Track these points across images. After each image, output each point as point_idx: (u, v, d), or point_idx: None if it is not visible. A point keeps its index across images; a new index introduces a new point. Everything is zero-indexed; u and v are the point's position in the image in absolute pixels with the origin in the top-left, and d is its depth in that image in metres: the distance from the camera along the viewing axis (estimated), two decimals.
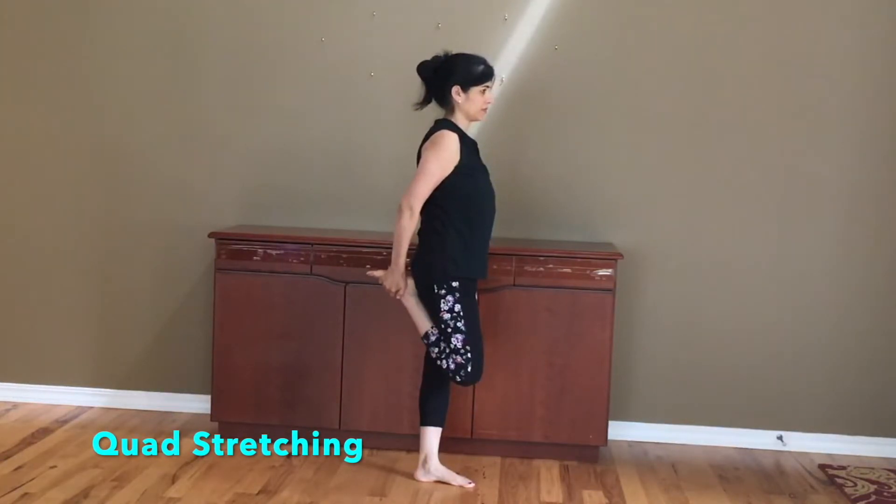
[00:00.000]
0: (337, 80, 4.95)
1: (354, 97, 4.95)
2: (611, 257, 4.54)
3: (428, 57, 4.20)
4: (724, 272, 4.89)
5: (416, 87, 4.24)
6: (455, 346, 4.09)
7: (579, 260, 4.53)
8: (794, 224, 4.86)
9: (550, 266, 4.54)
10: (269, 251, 4.63)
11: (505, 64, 4.80)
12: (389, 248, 4.43)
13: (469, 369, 4.11)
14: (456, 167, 4.06)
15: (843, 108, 4.80)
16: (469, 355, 4.10)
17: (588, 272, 4.52)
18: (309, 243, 4.62)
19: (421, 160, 4.10)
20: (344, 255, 4.60)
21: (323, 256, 4.61)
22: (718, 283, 4.89)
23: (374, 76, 4.93)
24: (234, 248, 4.64)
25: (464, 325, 4.10)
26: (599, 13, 4.86)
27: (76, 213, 5.11)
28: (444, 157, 4.05)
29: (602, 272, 4.52)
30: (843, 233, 4.85)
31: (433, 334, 4.14)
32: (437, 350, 4.13)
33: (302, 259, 4.62)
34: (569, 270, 4.53)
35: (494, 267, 4.42)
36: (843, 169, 4.83)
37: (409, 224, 4.05)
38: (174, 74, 5.03)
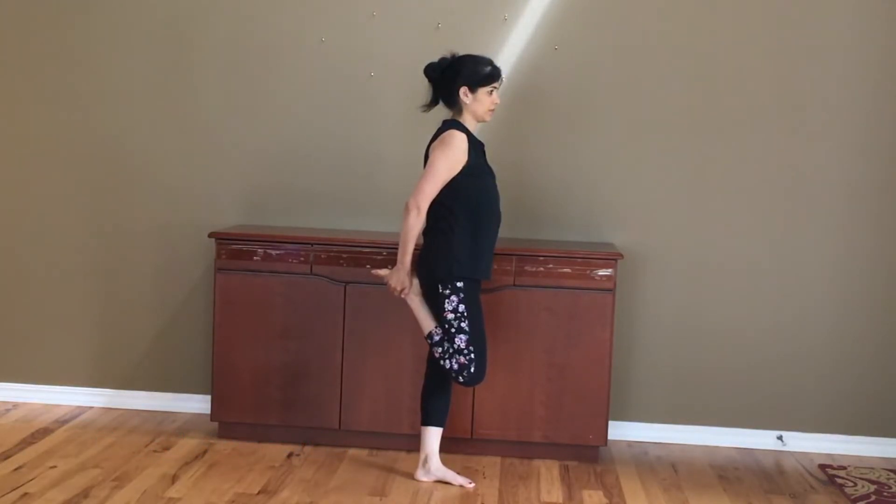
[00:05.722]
0: (337, 80, 4.95)
1: (354, 97, 4.95)
2: (611, 257, 4.54)
3: (428, 57, 4.20)
4: (725, 272, 4.89)
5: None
6: (459, 346, 4.09)
7: (579, 260, 4.53)
8: (794, 224, 4.86)
9: (550, 266, 4.54)
10: (269, 251, 4.63)
11: (505, 64, 4.79)
12: (389, 248, 4.45)
13: (472, 370, 4.11)
14: (464, 167, 4.06)
15: (844, 108, 4.80)
16: (472, 356, 4.10)
17: (588, 272, 4.52)
18: (309, 243, 4.62)
19: (429, 159, 4.10)
20: (344, 255, 4.60)
21: (323, 256, 4.61)
22: (718, 283, 4.89)
23: (374, 76, 4.93)
24: (234, 248, 4.64)
25: (468, 325, 4.10)
26: (599, 13, 4.86)
27: (76, 214, 5.11)
28: (453, 156, 4.05)
29: (602, 272, 4.52)
30: (842, 233, 4.85)
31: (437, 334, 4.13)
32: (440, 350, 4.13)
33: (302, 259, 4.62)
34: (569, 270, 4.53)
35: (494, 267, 4.40)
36: (843, 169, 4.83)
37: (416, 223, 4.05)
38: (174, 74, 5.03)
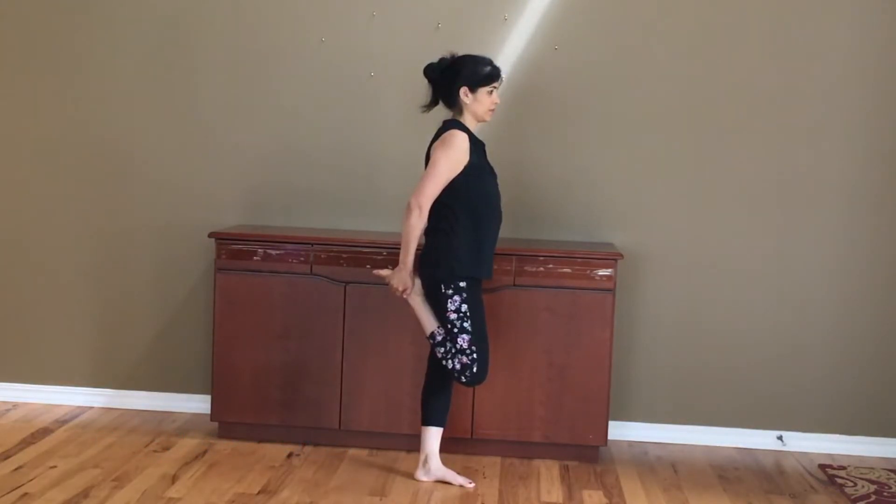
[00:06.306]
0: (337, 80, 4.95)
1: (354, 97, 4.95)
2: (611, 257, 4.54)
3: (428, 57, 4.20)
4: (724, 272, 4.89)
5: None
6: (461, 346, 4.09)
7: (579, 260, 4.53)
8: (794, 224, 4.86)
9: (550, 266, 4.54)
10: (269, 251, 4.63)
11: (505, 64, 4.79)
12: (390, 248, 4.46)
13: (475, 370, 4.10)
14: (465, 167, 4.06)
15: (843, 108, 4.80)
16: (475, 356, 4.10)
17: (588, 272, 4.52)
18: (309, 243, 4.62)
19: (431, 159, 4.10)
20: (344, 255, 4.60)
21: (323, 256, 4.61)
22: (718, 283, 4.89)
23: (374, 76, 4.93)
24: (234, 248, 4.64)
25: (470, 325, 4.09)
26: (599, 13, 4.86)
27: (76, 214, 5.11)
28: (454, 156, 4.05)
29: (602, 272, 4.52)
30: (842, 233, 4.85)
31: (439, 334, 4.13)
32: (442, 350, 4.13)
33: (302, 259, 4.62)
34: (569, 270, 4.53)
35: (495, 267, 4.40)
36: (842, 169, 4.83)
37: (418, 223, 4.05)
38: (174, 74, 5.02)
